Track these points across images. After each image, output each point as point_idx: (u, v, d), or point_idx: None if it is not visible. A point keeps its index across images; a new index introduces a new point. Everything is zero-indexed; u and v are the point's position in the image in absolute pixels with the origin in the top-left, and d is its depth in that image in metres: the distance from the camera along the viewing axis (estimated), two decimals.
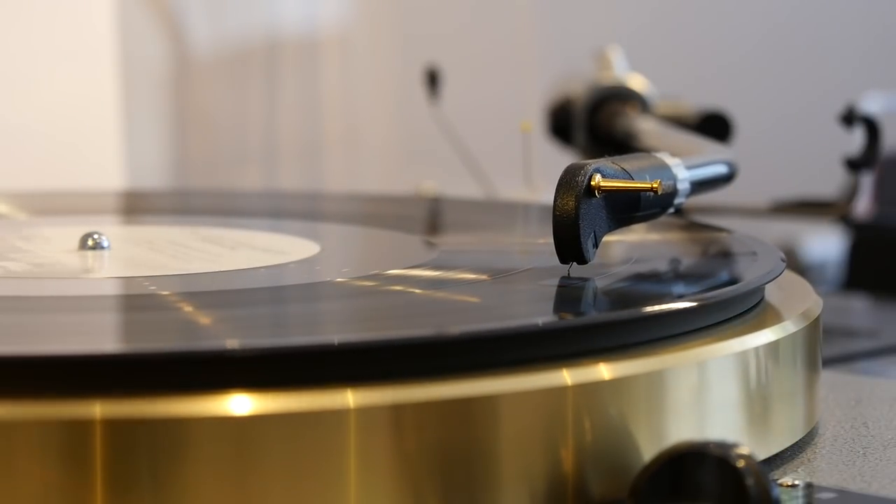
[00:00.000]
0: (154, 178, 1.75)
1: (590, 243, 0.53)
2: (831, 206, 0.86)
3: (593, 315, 0.51)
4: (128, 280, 0.58)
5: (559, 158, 0.77)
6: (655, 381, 0.47)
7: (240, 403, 0.42)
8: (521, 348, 0.46)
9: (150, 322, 0.49)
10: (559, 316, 0.51)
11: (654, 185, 0.54)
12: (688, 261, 0.63)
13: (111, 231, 0.66)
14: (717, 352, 0.49)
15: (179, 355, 0.43)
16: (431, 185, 0.91)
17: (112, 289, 0.57)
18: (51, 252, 0.64)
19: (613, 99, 0.91)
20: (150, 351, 0.44)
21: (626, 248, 0.63)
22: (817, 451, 0.54)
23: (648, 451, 0.46)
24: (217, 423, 0.41)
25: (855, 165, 0.83)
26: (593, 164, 0.53)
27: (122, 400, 0.41)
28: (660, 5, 2.15)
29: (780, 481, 0.49)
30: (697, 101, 0.91)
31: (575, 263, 0.53)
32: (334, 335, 0.47)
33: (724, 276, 0.59)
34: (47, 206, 0.85)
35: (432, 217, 0.82)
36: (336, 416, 0.42)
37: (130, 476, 0.41)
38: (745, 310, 0.54)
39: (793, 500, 0.48)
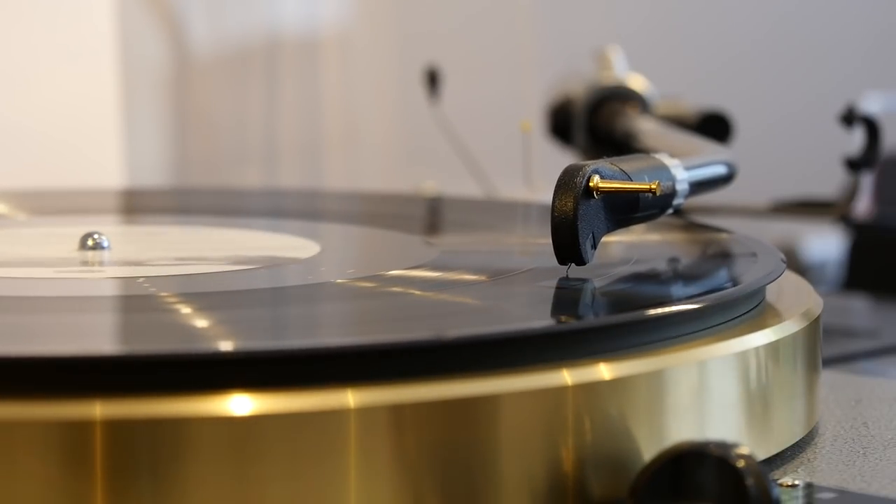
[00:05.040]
0: (154, 177, 1.75)
1: (588, 244, 0.53)
2: (831, 206, 0.86)
3: (593, 319, 0.51)
4: (127, 280, 0.58)
5: (559, 158, 0.77)
6: (655, 381, 0.47)
7: (240, 403, 0.42)
8: (520, 352, 0.46)
9: (150, 323, 0.49)
10: (559, 319, 0.51)
11: (653, 186, 0.54)
12: (688, 262, 0.63)
13: (111, 231, 0.66)
14: (717, 352, 0.49)
15: (180, 357, 0.43)
16: (431, 185, 0.91)
17: (112, 289, 0.57)
18: (51, 252, 0.64)
19: (613, 99, 0.91)
20: (150, 352, 0.44)
21: (625, 248, 0.63)
22: (817, 451, 0.54)
23: (648, 451, 0.46)
24: (217, 423, 0.41)
25: (855, 165, 0.83)
26: (592, 164, 0.53)
27: (122, 400, 0.41)
28: (660, 5, 2.15)
29: (780, 481, 0.49)
30: (697, 101, 0.91)
31: (573, 264, 0.53)
32: (334, 337, 0.47)
33: (724, 276, 0.59)
34: (47, 206, 0.85)
35: (432, 217, 0.82)
36: (336, 416, 0.42)
37: (130, 476, 0.41)
38: (746, 310, 0.54)
39: (793, 500, 0.48)
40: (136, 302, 0.54)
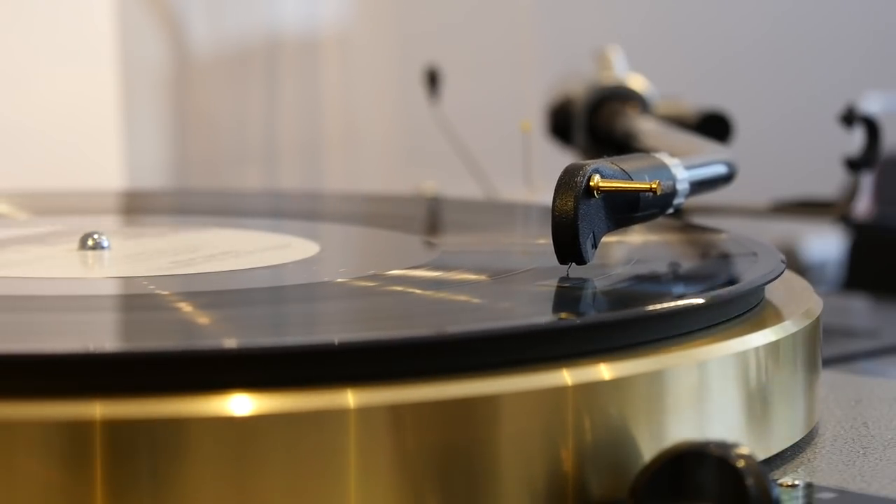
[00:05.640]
0: (154, 178, 1.75)
1: (589, 244, 0.53)
2: (831, 206, 0.86)
3: (593, 315, 0.51)
4: (128, 280, 0.58)
5: (559, 158, 0.77)
6: (655, 381, 0.47)
7: (240, 403, 0.42)
8: (521, 349, 0.46)
9: (150, 322, 0.49)
10: (559, 316, 0.51)
11: (653, 186, 0.54)
12: (688, 261, 0.63)
13: (111, 231, 0.66)
14: (717, 352, 0.49)
15: (179, 355, 0.43)
16: (431, 185, 0.91)
17: (112, 289, 0.57)
18: (51, 252, 0.64)
19: (613, 99, 0.91)
20: (150, 350, 0.44)
21: (626, 248, 0.63)
22: (817, 451, 0.54)
23: (648, 451, 0.46)
24: (217, 423, 0.41)
25: (855, 165, 0.83)
26: (592, 164, 0.53)
27: (122, 400, 0.41)
28: (659, 5, 2.15)
29: (780, 481, 0.49)
30: (697, 101, 0.91)
31: (574, 264, 0.53)
32: (334, 335, 0.47)
33: (724, 276, 0.59)
34: (47, 206, 0.85)
35: (432, 217, 0.82)
36: (336, 416, 0.42)
37: (130, 476, 0.41)
38: (746, 310, 0.54)
39: (793, 500, 0.48)
40: (136, 301, 0.54)
